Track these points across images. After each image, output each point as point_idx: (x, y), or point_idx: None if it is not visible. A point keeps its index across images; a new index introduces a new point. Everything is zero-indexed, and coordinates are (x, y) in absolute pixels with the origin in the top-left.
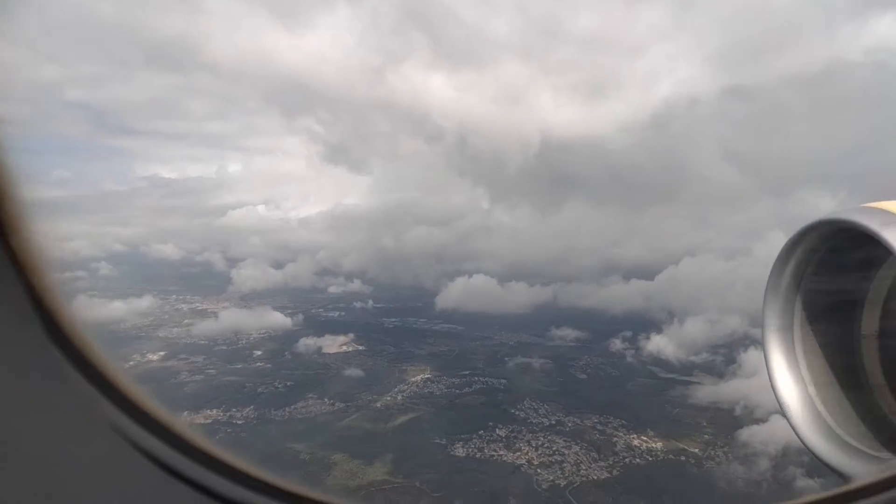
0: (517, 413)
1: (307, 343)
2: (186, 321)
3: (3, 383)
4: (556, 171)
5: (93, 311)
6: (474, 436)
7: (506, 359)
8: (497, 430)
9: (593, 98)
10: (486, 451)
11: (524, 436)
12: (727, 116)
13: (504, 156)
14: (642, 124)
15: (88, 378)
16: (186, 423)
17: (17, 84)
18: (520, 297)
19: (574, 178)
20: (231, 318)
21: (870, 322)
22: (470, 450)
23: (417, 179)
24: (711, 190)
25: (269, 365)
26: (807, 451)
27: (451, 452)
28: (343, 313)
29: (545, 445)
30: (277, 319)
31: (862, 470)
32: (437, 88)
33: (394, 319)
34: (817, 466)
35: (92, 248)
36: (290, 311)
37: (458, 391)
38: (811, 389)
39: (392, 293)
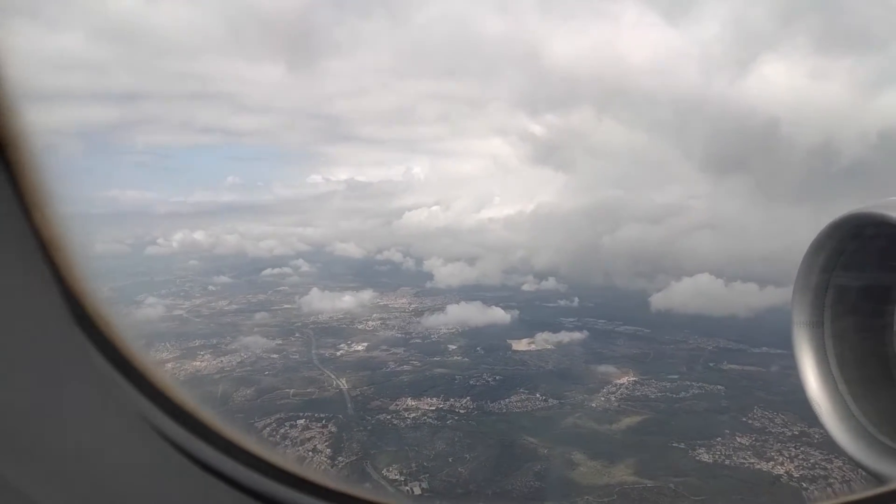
0: (750, 422)
1: (498, 339)
2: (375, 314)
3: (29, 366)
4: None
5: (325, 302)
6: (713, 442)
7: (710, 364)
8: (737, 437)
9: None
10: (734, 458)
11: (771, 445)
12: None
13: (824, 149)
14: None
15: (114, 363)
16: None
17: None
18: (749, 299)
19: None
20: (458, 313)
21: None
22: (716, 456)
23: (635, 175)
24: None
25: (465, 359)
26: (839, 450)
27: (696, 457)
28: (519, 311)
29: (800, 457)
30: (498, 315)
31: None
32: (784, 76)
33: (572, 319)
34: None
35: (282, 248)
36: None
37: (673, 395)
38: (842, 387)
39: (584, 292)
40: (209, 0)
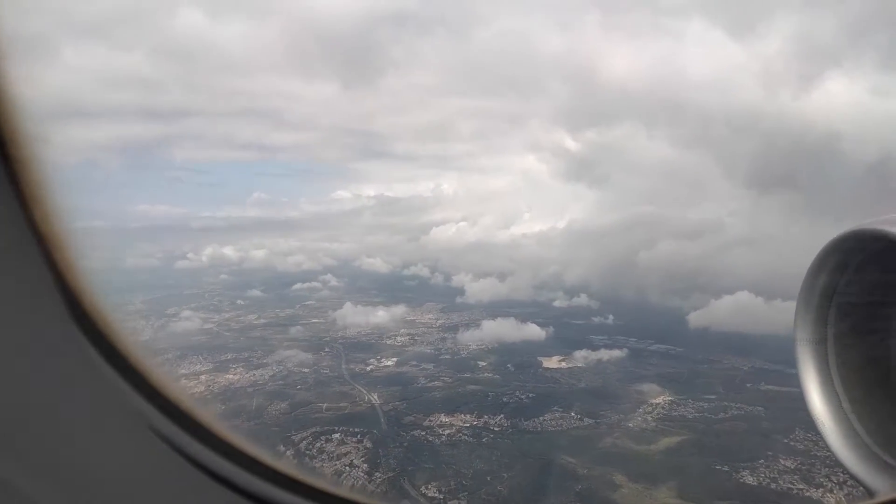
0: (794, 444)
1: (529, 356)
2: (403, 330)
3: (27, 365)
4: None
5: (355, 317)
6: (756, 464)
7: (747, 385)
8: (781, 460)
9: None
10: (780, 481)
11: (818, 469)
12: None
13: (882, 165)
14: None
15: (113, 363)
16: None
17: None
18: (790, 317)
19: None
20: (489, 329)
21: None
22: (761, 479)
23: (674, 192)
24: None
25: (496, 376)
26: (844, 469)
27: (741, 480)
28: (550, 328)
29: (849, 483)
30: (529, 332)
31: None
32: (846, 92)
33: (602, 337)
34: None
35: (310, 263)
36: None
37: (712, 416)
38: (846, 405)
39: (616, 309)
40: (271, 18)
